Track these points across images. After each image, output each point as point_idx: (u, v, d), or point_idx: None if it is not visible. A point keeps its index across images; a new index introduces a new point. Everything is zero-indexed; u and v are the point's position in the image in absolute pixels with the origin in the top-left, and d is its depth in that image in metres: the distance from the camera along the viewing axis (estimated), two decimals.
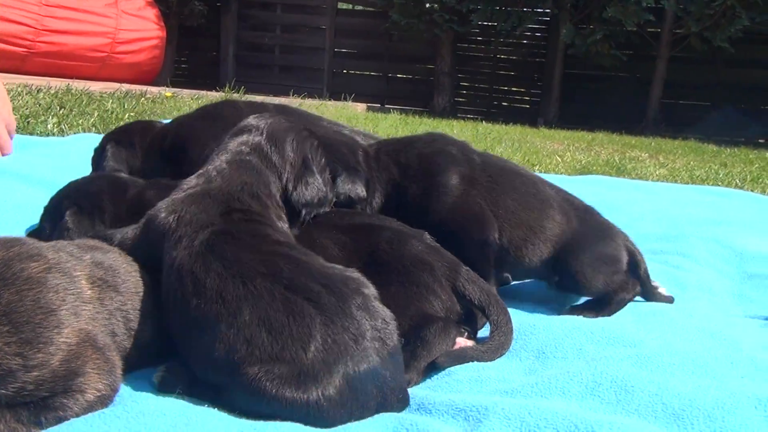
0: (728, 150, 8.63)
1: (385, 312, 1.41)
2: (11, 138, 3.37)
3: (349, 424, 1.23)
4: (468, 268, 1.76)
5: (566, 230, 2.07)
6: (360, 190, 1.99)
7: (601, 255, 2.04)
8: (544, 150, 6.81)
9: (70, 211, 1.82)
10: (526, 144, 7.18)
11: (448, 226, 1.97)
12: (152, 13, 10.93)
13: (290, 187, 1.75)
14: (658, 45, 11.52)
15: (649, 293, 2.15)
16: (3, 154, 3.24)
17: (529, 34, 13.00)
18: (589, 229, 2.12)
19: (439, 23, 12.09)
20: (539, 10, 12.48)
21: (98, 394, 1.24)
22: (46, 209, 1.91)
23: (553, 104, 12.54)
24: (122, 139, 2.40)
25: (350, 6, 14.86)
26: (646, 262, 2.18)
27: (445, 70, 13.03)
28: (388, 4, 12.32)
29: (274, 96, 10.28)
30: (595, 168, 5.66)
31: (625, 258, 2.10)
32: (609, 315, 1.95)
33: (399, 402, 1.34)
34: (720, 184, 5.27)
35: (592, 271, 1.98)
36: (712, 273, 2.63)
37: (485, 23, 12.54)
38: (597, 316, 1.92)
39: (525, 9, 12.11)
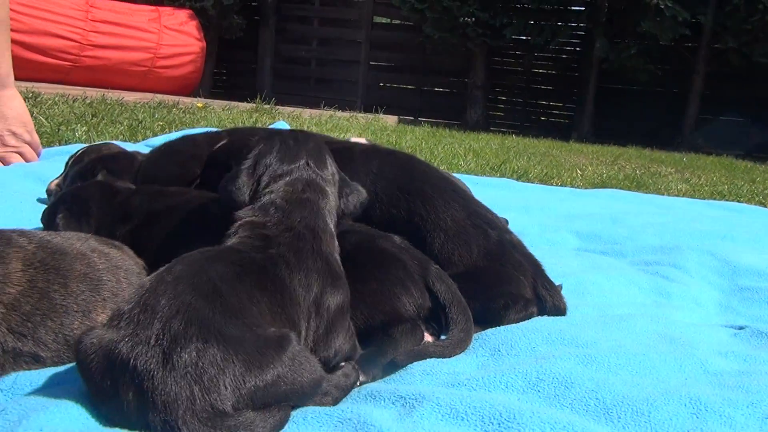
0: (762, 167, 8.48)
1: None
2: (38, 156, 3.58)
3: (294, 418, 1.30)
4: (437, 266, 1.84)
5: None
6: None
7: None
8: (567, 163, 6.81)
9: (62, 214, 1.98)
10: (549, 157, 7.19)
11: None
12: (193, 26, 11.25)
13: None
14: (694, 60, 11.38)
15: None
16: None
17: (563, 48, 12.97)
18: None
19: (472, 37, 12.17)
20: (573, 24, 12.46)
21: None
22: (44, 212, 2.07)
23: (587, 119, 12.47)
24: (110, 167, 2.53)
25: (386, 20, 15.05)
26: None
27: (478, 83, 13.09)
28: (422, 18, 12.45)
29: (307, 108, 10.50)
30: (614, 182, 5.65)
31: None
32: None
33: None
34: (741, 200, 5.21)
35: None
36: (703, 284, 2.64)
37: (519, 37, 12.57)
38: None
39: (559, 23, 12.12)
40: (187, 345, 1.14)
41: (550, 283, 2.02)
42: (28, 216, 2.61)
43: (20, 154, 3.48)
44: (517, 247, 2.06)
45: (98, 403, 1.18)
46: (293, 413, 1.29)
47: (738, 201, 5.09)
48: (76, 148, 4.02)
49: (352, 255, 1.79)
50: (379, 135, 7.58)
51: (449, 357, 1.70)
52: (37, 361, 1.45)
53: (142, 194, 2.04)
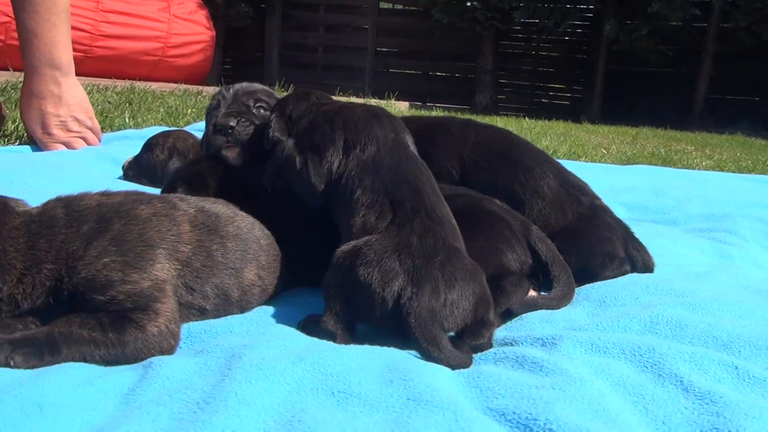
0: None
1: None
2: (99, 141, 3.71)
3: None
4: (537, 227, 2.00)
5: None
6: None
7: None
8: (590, 143, 6.94)
9: (181, 188, 2.11)
10: (571, 138, 7.32)
11: None
12: (202, 15, 11.28)
13: None
14: (704, 40, 11.49)
15: None
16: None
17: (571, 30, 13.06)
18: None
19: (481, 21, 12.25)
20: (582, 6, 12.54)
21: (168, 324, 1.43)
22: (163, 189, 2.20)
23: (596, 100, 12.58)
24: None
25: (392, 5, 15.10)
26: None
27: (486, 67, 13.19)
28: (431, 3, 12.53)
29: None
30: (640, 159, 5.79)
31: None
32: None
33: None
34: (767, 173, 5.35)
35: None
36: (758, 248, 2.78)
37: (527, 20, 12.66)
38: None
39: (568, 5, 12.20)
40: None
41: (640, 243, 2.18)
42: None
43: (83, 139, 3.60)
44: (607, 211, 2.22)
45: None
46: None
47: (763, 174, 5.23)
48: (129, 133, 4.16)
49: (462, 215, 1.94)
50: None
51: (557, 309, 1.85)
52: (202, 314, 1.60)
53: (257, 168, 2.17)
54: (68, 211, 1.48)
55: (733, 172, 5.38)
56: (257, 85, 2.43)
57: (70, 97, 3.53)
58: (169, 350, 1.41)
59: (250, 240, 1.74)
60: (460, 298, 1.55)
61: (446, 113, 10.16)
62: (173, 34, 10.74)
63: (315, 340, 1.41)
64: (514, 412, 1.10)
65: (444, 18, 12.37)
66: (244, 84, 2.37)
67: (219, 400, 1.09)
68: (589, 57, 12.89)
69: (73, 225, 1.45)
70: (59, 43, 3.33)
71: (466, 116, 9.00)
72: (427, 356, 1.44)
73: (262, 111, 2.23)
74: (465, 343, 1.54)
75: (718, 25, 11.36)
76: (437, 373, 1.29)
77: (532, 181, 2.18)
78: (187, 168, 2.24)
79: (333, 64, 14.96)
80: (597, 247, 2.10)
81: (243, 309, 1.69)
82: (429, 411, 1.07)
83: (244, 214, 1.82)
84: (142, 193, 1.65)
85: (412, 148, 1.95)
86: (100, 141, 3.77)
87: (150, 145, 3.04)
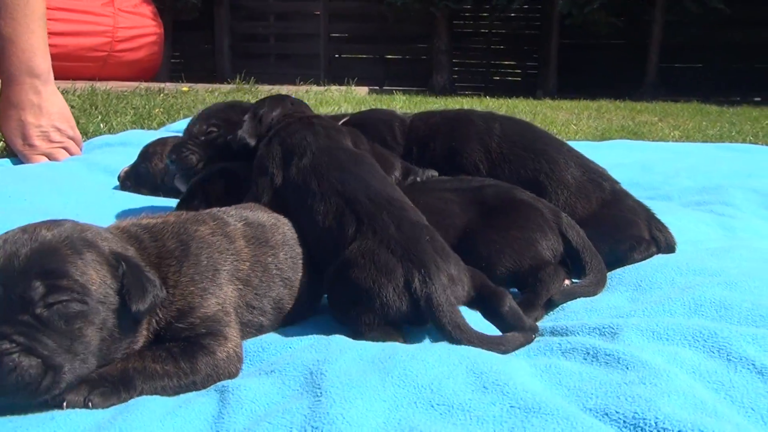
0: (731, 110, 8.88)
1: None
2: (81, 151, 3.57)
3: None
4: (566, 215, 2.02)
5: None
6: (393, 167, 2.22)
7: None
8: (558, 120, 7.03)
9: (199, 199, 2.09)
10: (539, 116, 7.40)
11: None
12: (148, 9, 11.00)
13: None
14: (652, 9, 11.70)
15: None
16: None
17: (523, 7, 13.15)
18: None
19: (435, 1, 12.23)
20: None
21: (236, 348, 1.41)
22: (182, 199, 2.19)
23: (551, 75, 12.73)
24: None
25: None
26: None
27: (442, 48, 13.20)
28: None
29: (278, 85, 10.44)
30: (612, 134, 5.89)
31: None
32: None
33: None
34: (734, 141, 5.50)
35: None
36: (755, 218, 2.87)
37: None
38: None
39: None
40: None
41: (662, 223, 2.22)
42: (108, 205, 2.67)
43: (65, 149, 3.47)
44: (628, 195, 2.26)
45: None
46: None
47: (732, 142, 5.39)
48: (108, 139, 4.03)
49: (493, 205, 1.95)
50: (357, 107, 7.62)
51: (594, 295, 1.88)
52: (259, 331, 1.56)
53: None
54: (150, 235, 1.44)
55: (702, 141, 5.53)
56: (220, 105, 2.49)
57: (50, 106, 3.40)
58: (236, 374, 1.38)
59: (296, 245, 1.71)
60: (458, 271, 1.63)
61: (410, 96, 10.15)
62: (119, 28, 10.43)
63: (384, 347, 1.39)
64: (617, 412, 1.11)
65: (397, 0, 12.31)
66: (207, 109, 2.43)
67: (327, 423, 1.07)
68: (542, 33, 13.01)
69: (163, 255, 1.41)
70: (37, 50, 3.20)
71: (423, 98, 8.96)
72: (450, 339, 1.47)
73: (213, 133, 2.31)
74: (523, 320, 1.62)
75: None
76: (520, 372, 1.29)
77: (557, 172, 2.20)
78: (208, 176, 2.19)
79: (286, 53, 14.76)
80: (624, 231, 2.13)
81: (293, 320, 1.67)
82: (542, 419, 1.07)
83: (282, 218, 1.78)
84: (187, 212, 1.60)
85: (353, 147, 2.03)
86: (81, 150, 3.64)
87: (147, 154, 2.96)
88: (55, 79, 3.45)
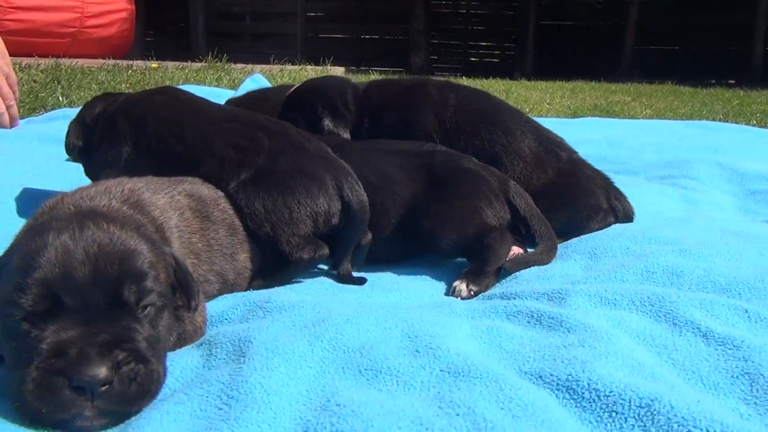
0: (704, 91, 8.91)
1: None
2: (15, 94, 3.36)
3: (455, 307, 1.44)
4: (515, 182, 1.97)
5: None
6: (341, 131, 2.17)
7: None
8: (531, 99, 6.99)
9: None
10: (513, 95, 7.36)
11: None
12: None
13: None
14: None
15: None
16: (6, 104, 3.22)
17: None
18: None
19: None
20: None
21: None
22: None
23: (528, 56, 12.69)
24: None
25: None
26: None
27: (419, 28, 13.08)
28: None
29: (252, 64, 10.27)
30: (584, 112, 5.87)
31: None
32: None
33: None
34: (705, 120, 5.51)
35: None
36: (718, 192, 2.86)
37: None
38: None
39: None
40: None
41: (620, 192, 2.18)
42: (63, 176, 2.58)
43: None
44: (586, 164, 2.21)
45: None
46: (466, 309, 1.44)
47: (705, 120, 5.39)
48: (67, 112, 3.91)
49: (439, 173, 1.90)
50: None
51: (547, 263, 1.84)
52: (206, 299, 1.51)
53: None
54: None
55: (673, 119, 5.52)
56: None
57: None
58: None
59: (237, 223, 1.65)
60: None
61: (384, 76, 10.05)
62: (89, 4, 10.14)
63: (320, 311, 1.34)
64: (551, 374, 1.07)
65: None
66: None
67: (244, 393, 1.01)
68: (519, 13, 12.94)
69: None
70: None
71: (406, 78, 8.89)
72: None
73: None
74: None
75: None
76: (458, 335, 1.24)
77: (513, 144, 2.15)
78: None
79: (262, 32, 14.54)
80: (581, 200, 2.10)
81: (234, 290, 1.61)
82: (470, 383, 1.03)
83: (219, 191, 1.71)
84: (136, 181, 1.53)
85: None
86: (16, 95, 3.42)
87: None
88: (23, 55, 3.26)
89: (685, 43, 12.18)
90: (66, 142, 2.09)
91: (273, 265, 1.66)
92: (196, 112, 1.87)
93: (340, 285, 1.68)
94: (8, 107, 3.26)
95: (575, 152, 2.27)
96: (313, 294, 1.55)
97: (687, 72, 11.60)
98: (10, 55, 7.36)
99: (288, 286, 1.61)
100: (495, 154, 2.13)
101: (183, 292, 1.25)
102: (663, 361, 1.19)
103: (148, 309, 1.14)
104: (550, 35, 12.82)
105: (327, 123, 2.14)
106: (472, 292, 1.68)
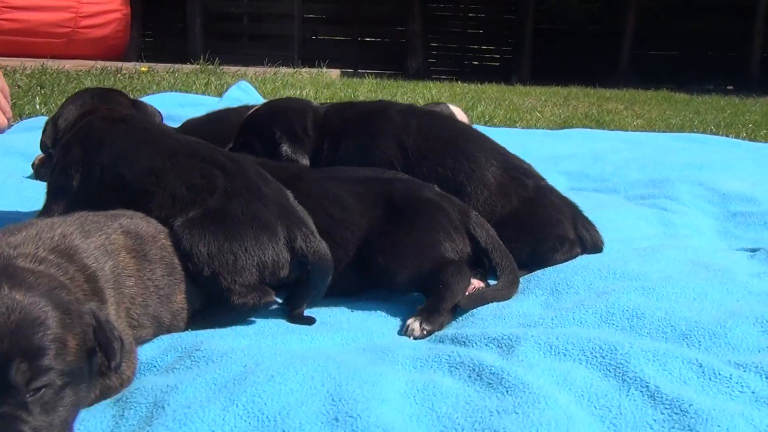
0: (699, 98, 8.83)
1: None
2: (8, 103, 3.30)
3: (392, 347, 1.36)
4: (476, 213, 1.90)
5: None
6: (299, 158, 2.10)
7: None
8: (523, 107, 6.92)
9: None
10: (505, 102, 7.28)
11: None
12: None
13: None
14: None
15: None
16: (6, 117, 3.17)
17: None
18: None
19: None
20: None
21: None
22: None
23: (525, 61, 12.61)
24: None
25: None
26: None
27: (416, 31, 13.01)
28: None
29: (247, 66, 10.21)
30: (574, 121, 5.79)
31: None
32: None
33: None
34: (695, 131, 5.44)
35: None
36: (698, 213, 2.78)
37: None
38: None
39: None
40: None
41: (588, 221, 2.11)
42: (19, 194, 2.51)
43: None
44: (553, 191, 2.14)
45: None
46: (409, 356, 1.36)
47: (692, 132, 5.32)
48: (41, 121, 3.84)
49: (398, 203, 1.83)
50: (326, 90, 7.46)
51: (507, 299, 1.77)
52: (138, 344, 1.43)
53: None
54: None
55: (663, 130, 5.46)
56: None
57: None
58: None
59: (176, 262, 1.57)
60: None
61: (382, 80, 9.97)
62: (84, 4, 10.11)
63: (246, 364, 1.26)
64: None
65: None
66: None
67: None
68: (517, 18, 12.87)
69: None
70: None
71: (395, 81, 8.85)
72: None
73: None
74: None
75: None
76: (389, 395, 1.17)
77: (477, 171, 2.07)
78: None
79: (260, 33, 14.47)
80: (546, 230, 2.02)
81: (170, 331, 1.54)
82: None
83: (160, 226, 1.63)
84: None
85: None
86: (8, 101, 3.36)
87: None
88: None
89: (683, 48, 12.10)
90: (41, 140, 2.10)
91: (216, 305, 1.58)
92: (153, 144, 1.81)
93: (287, 324, 1.61)
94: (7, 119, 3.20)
95: (543, 179, 2.20)
96: (251, 337, 1.47)
97: (685, 77, 11.53)
98: (5, 54, 7.34)
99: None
100: (458, 182, 2.05)
101: (104, 354, 1.16)
102: (605, 426, 1.12)
103: (41, 391, 1.03)
104: (548, 39, 12.74)
105: (285, 149, 2.07)
106: (424, 332, 1.61)
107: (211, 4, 14.28)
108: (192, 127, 2.57)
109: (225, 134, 2.21)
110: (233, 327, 1.54)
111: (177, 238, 1.56)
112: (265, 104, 2.31)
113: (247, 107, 2.39)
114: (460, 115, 2.76)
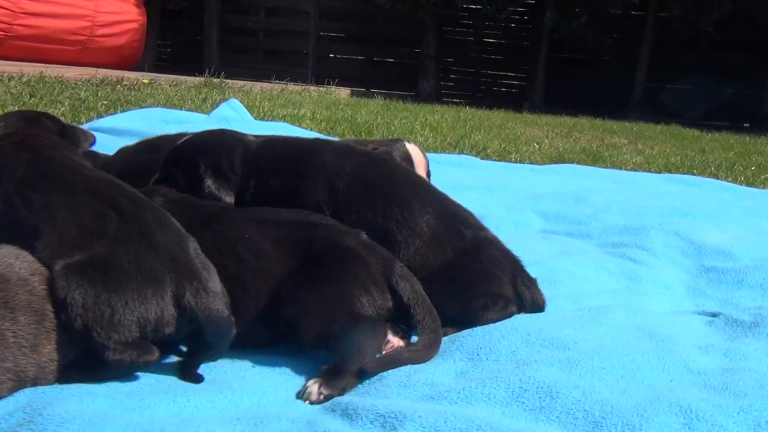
0: (709, 135, 8.64)
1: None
2: None
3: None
4: (402, 265, 1.76)
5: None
6: (223, 195, 1.97)
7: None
8: (524, 137, 6.78)
9: None
10: (506, 131, 7.15)
11: None
12: None
13: None
14: (642, 29, 11.48)
15: None
16: None
17: (514, 17, 12.93)
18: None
19: (424, 6, 12.00)
20: None
21: None
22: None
23: (538, 88, 12.49)
24: None
25: None
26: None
27: (430, 54, 12.95)
28: None
29: (258, 81, 10.19)
30: (571, 156, 5.65)
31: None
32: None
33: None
34: (694, 171, 5.28)
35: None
36: (670, 266, 2.63)
37: (470, 6, 12.47)
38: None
39: None
40: None
41: (530, 278, 1.96)
42: None
43: None
44: (493, 243, 1.99)
45: None
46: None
47: (691, 172, 5.16)
48: None
49: (316, 251, 1.70)
50: (333, 109, 7.39)
51: (422, 362, 1.62)
52: None
53: None
54: None
55: (661, 168, 5.30)
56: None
57: None
58: None
59: (48, 308, 1.43)
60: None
61: (390, 102, 9.89)
62: (100, 13, 10.21)
63: None
64: None
65: (386, 2, 12.07)
66: None
67: None
68: (531, 45, 12.77)
69: None
70: None
71: (402, 104, 8.78)
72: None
73: None
74: None
75: (655, 14, 11.36)
76: None
77: (410, 219, 1.91)
78: None
79: (275, 49, 14.52)
80: (479, 286, 1.87)
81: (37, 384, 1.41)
82: None
83: (37, 266, 1.51)
84: None
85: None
86: None
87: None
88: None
89: (699, 83, 11.91)
90: None
91: (93, 358, 1.45)
92: (53, 177, 1.69)
93: (171, 381, 1.47)
94: None
95: (483, 229, 2.04)
96: (113, 397, 1.33)
97: (701, 113, 11.34)
98: (20, 60, 7.39)
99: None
100: (389, 230, 1.91)
101: None
102: None
103: None
104: (562, 68, 12.62)
105: (208, 185, 1.94)
106: (321, 396, 1.47)
107: (228, 18, 14.38)
108: (123, 155, 2.46)
109: (157, 162, 2.10)
110: (107, 383, 1.41)
111: (53, 283, 1.44)
112: (194, 135, 2.19)
113: (182, 135, 2.27)
114: (417, 154, 2.62)
